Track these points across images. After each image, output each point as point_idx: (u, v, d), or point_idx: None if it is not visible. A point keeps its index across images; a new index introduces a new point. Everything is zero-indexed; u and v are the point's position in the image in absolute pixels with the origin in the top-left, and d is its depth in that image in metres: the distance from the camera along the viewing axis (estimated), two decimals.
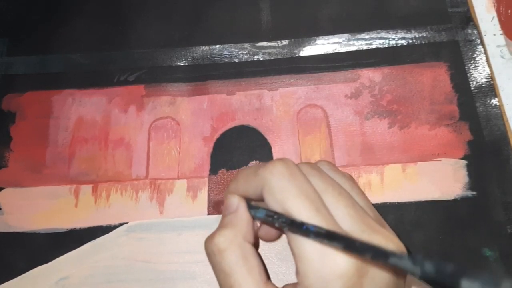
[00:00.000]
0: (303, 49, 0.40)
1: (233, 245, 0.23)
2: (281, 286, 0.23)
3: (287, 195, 0.21)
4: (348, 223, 0.22)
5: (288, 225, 0.22)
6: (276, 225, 0.23)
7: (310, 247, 0.20)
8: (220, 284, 0.23)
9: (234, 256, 0.22)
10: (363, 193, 0.25)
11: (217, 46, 0.40)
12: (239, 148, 0.37)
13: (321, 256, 0.20)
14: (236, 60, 0.40)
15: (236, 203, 0.25)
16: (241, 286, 0.22)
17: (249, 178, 0.24)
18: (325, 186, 0.23)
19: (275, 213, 0.23)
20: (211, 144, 0.37)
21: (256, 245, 0.25)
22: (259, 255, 0.23)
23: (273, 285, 0.22)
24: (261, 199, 0.24)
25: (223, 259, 0.22)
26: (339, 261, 0.20)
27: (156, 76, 0.40)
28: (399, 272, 0.22)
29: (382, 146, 0.36)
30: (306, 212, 0.21)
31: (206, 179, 0.36)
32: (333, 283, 0.20)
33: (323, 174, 0.24)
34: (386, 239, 0.21)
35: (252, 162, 0.36)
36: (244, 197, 0.25)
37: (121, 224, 0.34)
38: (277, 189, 0.22)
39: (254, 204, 0.25)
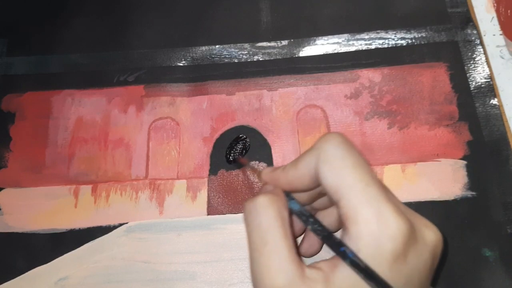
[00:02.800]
0: (303, 49, 0.40)
1: (275, 205, 0.23)
2: None
3: (345, 164, 0.22)
4: (402, 206, 0.23)
5: (323, 236, 0.23)
6: (308, 228, 0.24)
7: (367, 210, 0.21)
8: (252, 243, 0.23)
9: (273, 215, 0.23)
10: None
11: (217, 46, 0.40)
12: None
13: (378, 220, 0.21)
14: (236, 61, 0.40)
15: (271, 188, 0.26)
16: (276, 244, 0.22)
17: (301, 159, 0.24)
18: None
19: (311, 216, 0.24)
20: (211, 145, 0.37)
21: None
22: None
23: (302, 261, 0.23)
24: (311, 187, 0.24)
25: (264, 216, 0.23)
26: (394, 225, 0.20)
27: (155, 76, 0.40)
28: (436, 259, 0.23)
29: (382, 146, 0.36)
30: (364, 181, 0.21)
31: (206, 179, 0.36)
32: (385, 245, 0.20)
33: None
34: (434, 231, 0.23)
35: (252, 162, 0.36)
36: (287, 187, 0.25)
37: (120, 225, 0.34)
38: (333, 157, 0.22)
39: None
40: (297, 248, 0.23)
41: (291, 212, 0.25)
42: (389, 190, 0.25)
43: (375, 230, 0.20)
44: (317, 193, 0.27)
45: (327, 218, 0.28)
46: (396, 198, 0.24)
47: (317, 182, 0.24)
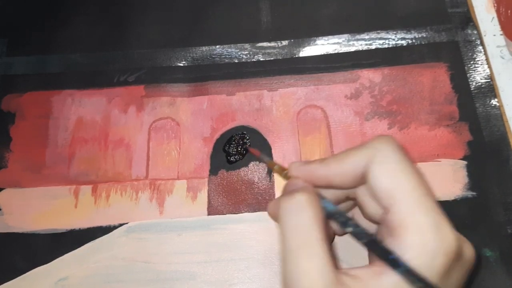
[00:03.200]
0: (303, 49, 0.40)
1: (314, 205, 0.22)
2: None
3: (402, 169, 0.21)
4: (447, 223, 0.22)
5: (368, 241, 0.21)
6: (348, 230, 0.22)
7: (424, 219, 0.20)
8: (288, 244, 0.21)
9: (313, 215, 0.21)
10: None
11: (217, 46, 0.40)
12: None
13: (435, 231, 0.20)
14: (236, 61, 0.40)
15: (302, 183, 0.24)
16: (315, 247, 0.20)
17: (348, 156, 0.23)
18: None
19: (350, 218, 0.22)
20: (211, 145, 0.37)
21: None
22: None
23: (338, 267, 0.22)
24: (347, 186, 0.23)
25: (302, 216, 0.21)
26: (449, 240, 0.20)
27: (156, 76, 0.40)
28: (468, 273, 0.23)
29: None
30: (420, 190, 0.21)
31: (206, 179, 0.36)
32: (438, 258, 0.20)
33: None
34: (471, 247, 0.23)
35: (252, 162, 0.36)
36: (323, 182, 0.24)
37: (121, 225, 0.34)
38: (391, 160, 0.21)
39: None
40: (332, 252, 0.22)
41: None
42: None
43: (430, 242, 0.20)
44: (345, 196, 0.25)
45: None
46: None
47: (359, 182, 0.23)
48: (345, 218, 0.23)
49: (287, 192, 0.24)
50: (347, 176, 0.23)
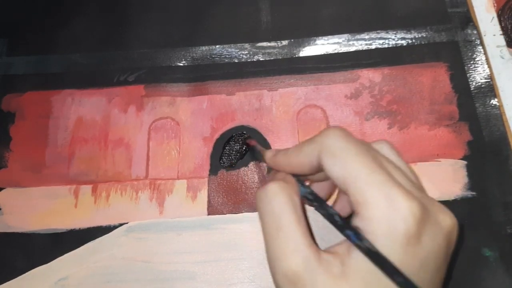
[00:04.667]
0: (303, 49, 0.40)
1: (285, 192, 0.24)
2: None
3: (348, 154, 0.22)
4: (416, 191, 0.23)
5: (329, 219, 0.23)
6: (320, 212, 0.24)
7: (376, 193, 0.21)
8: (266, 229, 0.23)
9: (284, 200, 0.23)
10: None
11: (217, 46, 0.40)
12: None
13: (388, 202, 0.21)
14: (236, 61, 0.40)
15: (284, 174, 0.26)
16: (290, 228, 0.22)
17: (303, 148, 0.25)
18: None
19: (318, 200, 0.24)
20: (211, 145, 0.37)
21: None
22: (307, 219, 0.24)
23: (317, 246, 0.23)
24: (310, 173, 0.25)
25: (275, 202, 0.23)
26: (404, 206, 0.21)
27: (156, 76, 0.40)
28: (451, 244, 0.23)
29: None
30: (369, 168, 0.22)
31: (206, 179, 0.36)
32: (397, 226, 0.20)
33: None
34: (450, 216, 0.23)
35: (252, 162, 0.36)
36: (288, 170, 0.26)
37: (120, 225, 0.34)
38: (337, 149, 0.23)
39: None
40: (312, 234, 0.23)
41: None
42: (408, 174, 0.24)
43: (385, 212, 0.21)
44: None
45: (321, 191, 0.29)
46: (410, 183, 0.24)
47: (317, 170, 0.24)
48: (316, 200, 0.24)
49: (266, 181, 0.27)
50: (305, 166, 0.25)
